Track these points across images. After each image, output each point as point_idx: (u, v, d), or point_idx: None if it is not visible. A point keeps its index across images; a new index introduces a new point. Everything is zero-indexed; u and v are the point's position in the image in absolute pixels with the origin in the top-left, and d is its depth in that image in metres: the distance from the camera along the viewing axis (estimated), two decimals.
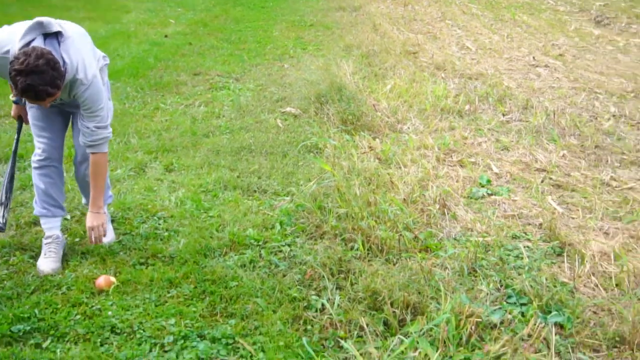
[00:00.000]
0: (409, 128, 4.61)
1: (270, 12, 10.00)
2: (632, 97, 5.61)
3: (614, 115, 5.03)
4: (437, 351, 1.95)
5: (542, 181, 3.62)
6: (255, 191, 3.57)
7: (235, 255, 2.81)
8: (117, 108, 5.11)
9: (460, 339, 2.06)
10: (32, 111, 2.78)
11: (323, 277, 2.51)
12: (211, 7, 10.43)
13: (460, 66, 6.56)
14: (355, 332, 2.17)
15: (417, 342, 1.97)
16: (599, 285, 2.52)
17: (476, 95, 5.42)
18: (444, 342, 2.02)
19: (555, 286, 2.43)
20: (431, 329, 2.09)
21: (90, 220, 2.72)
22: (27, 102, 2.69)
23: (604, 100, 5.51)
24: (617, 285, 2.52)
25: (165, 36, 8.12)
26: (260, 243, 2.92)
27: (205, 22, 9.07)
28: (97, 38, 7.58)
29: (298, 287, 2.52)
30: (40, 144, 2.79)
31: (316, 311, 2.34)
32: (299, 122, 4.73)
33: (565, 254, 2.77)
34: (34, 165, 2.82)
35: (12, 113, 3.00)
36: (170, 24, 8.98)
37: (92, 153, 2.68)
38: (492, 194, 3.47)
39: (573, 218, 3.21)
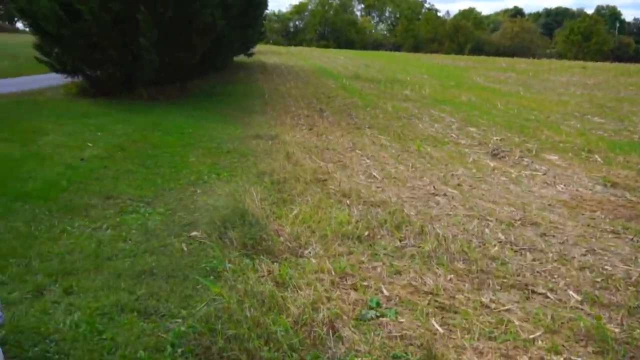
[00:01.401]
0: (309, 253, 4.82)
1: (188, 139, 10.33)
2: (519, 225, 6.07)
3: (500, 242, 5.44)
4: None
5: (427, 303, 3.85)
6: (151, 314, 3.62)
7: None
8: (22, 230, 5.11)
9: None
10: None
11: None
12: (130, 132, 10.66)
13: (365, 194, 6.96)
14: None
15: None
16: None
17: (376, 221, 5.76)
18: None
19: None
20: None
21: None
22: None
23: (494, 227, 5.94)
24: None
25: (82, 159, 8.21)
26: None
27: (123, 147, 9.26)
28: (10, 161, 7.68)
29: None
30: None
31: None
32: (203, 246, 4.86)
33: None
34: None
35: None
36: (88, 147, 9.10)
37: None
38: (380, 316, 3.66)
39: (452, 338, 3.42)
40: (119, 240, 5.02)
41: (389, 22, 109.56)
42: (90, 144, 9.30)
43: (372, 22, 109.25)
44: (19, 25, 66.69)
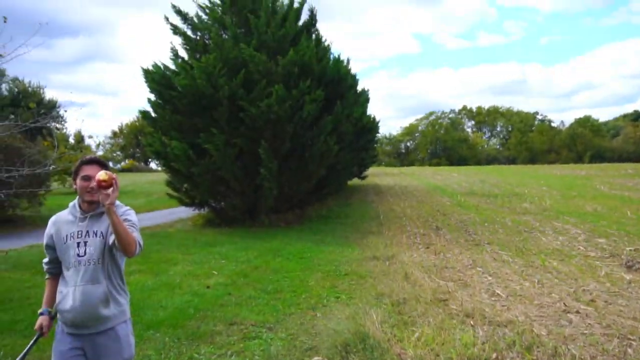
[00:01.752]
0: None
1: (307, 262, 10.54)
2: None
3: None
4: None
5: None
6: None
7: None
8: (153, 358, 5.33)
9: None
10: (55, 352, 3.19)
11: None
12: (252, 258, 11.07)
13: (489, 313, 6.66)
14: None
15: None
16: None
17: (504, 343, 5.45)
18: None
19: None
20: None
21: None
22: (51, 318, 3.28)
23: (638, 347, 5.43)
24: None
25: (208, 287, 8.58)
26: None
27: (246, 273, 9.59)
28: (144, 290, 8.16)
29: None
30: None
31: None
32: None
33: None
34: None
35: (36, 326, 3.29)
36: (213, 275, 9.52)
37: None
38: None
39: None
40: None
41: (501, 136, 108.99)
42: (215, 272, 9.72)
43: (484, 137, 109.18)
44: (152, 165, 73.32)
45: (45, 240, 3.31)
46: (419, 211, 20.21)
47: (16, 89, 58.86)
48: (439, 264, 9.97)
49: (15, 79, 59.45)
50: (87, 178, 3.17)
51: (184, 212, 20.74)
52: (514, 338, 5.55)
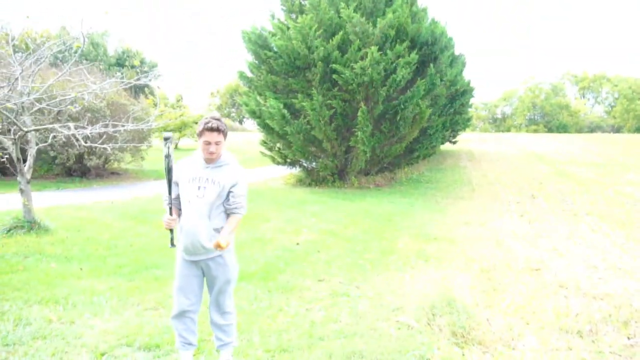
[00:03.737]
0: (524, 345, 4.54)
1: (396, 225, 10.53)
2: None
3: None
4: None
5: None
6: None
7: None
8: (245, 308, 5.56)
9: None
10: (177, 275, 3.95)
11: None
12: (342, 218, 11.19)
13: (585, 285, 6.42)
14: None
15: None
16: None
17: (599, 315, 5.25)
18: None
19: None
20: None
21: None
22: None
23: None
24: None
25: (297, 244, 8.79)
26: None
27: (335, 232, 9.73)
28: (237, 244, 8.44)
29: None
30: (176, 302, 3.94)
31: None
32: (411, 331, 4.84)
33: None
34: (171, 316, 4.01)
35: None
36: (303, 232, 9.72)
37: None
38: None
39: None
40: (330, 321, 5.21)
41: (607, 103, 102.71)
42: (305, 230, 9.92)
43: (587, 104, 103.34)
44: (247, 124, 75.04)
45: (173, 178, 3.89)
46: (514, 178, 19.60)
47: (120, 49, 61.65)
48: (533, 233, 9.68)
49: (120, 40, 62.27)
50: (208, 143, 3.72)
51: (277, 171, 21.21)
52: (610, 311, 5.35)
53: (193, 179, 3.80)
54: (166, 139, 3.81)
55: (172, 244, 3.95)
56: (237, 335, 4.07)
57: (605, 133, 70.68)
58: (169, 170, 3.81)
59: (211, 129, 3.69)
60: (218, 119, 3.75)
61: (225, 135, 3.79)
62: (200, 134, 3.75)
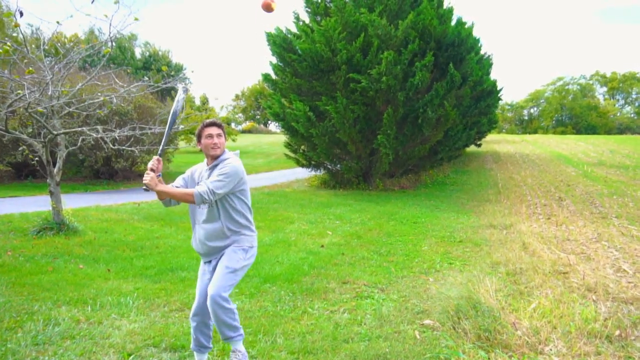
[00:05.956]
0: (550, 350, 4.48)
1: (421, 227, 10.49)
2: None
3: None
4: None
5: None
6: None
7: None
8: (269, 309, 5.59)
9: None
10: (199, 275, 4.06)
11: None
12: (366, 220, 11.19)
13: (614, 289, 6.31)
14: None
15: None
16: None
17: (629, 320, 5.16)
18: None
19: None
20: None
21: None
22: None
23: None
24: None
25: (322, 246, 8.80)
26: None
27: (359, 235, 9.72)
28: (262, 246, 8.53)
29: None
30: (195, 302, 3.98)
31: None
32: (436, 334, 4.81)
33: None
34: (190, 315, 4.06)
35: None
36: (328, 235, 9.74)
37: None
38: None
39: None
40: (354, 324, 5.21)
41: (637, 104, 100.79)
42: (329, 232, 9.94)
43: (617, 105, 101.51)
44: (272, 127, 75.30)
45: (184, 175, 4.12)
46: (541, 180, 19.37)
47: (147, 52, 62.41)
48: (560, 236, 9.55)
49: (146, 43, 63.04)
50: (210, 136, 3.87)
51: (301, 173, 21.27)
52: None
53: (198, 183, 3.95)
54: (184, 90, 4.11)
55: (145, 188, 3.79)
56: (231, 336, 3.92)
57: (635, 135, 69.38)
58: (174, 113, 4.02)
59: (210, 124, 3.90)
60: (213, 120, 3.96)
61: (224, 131, 3.98)
62: (200, 134, 3.93)
